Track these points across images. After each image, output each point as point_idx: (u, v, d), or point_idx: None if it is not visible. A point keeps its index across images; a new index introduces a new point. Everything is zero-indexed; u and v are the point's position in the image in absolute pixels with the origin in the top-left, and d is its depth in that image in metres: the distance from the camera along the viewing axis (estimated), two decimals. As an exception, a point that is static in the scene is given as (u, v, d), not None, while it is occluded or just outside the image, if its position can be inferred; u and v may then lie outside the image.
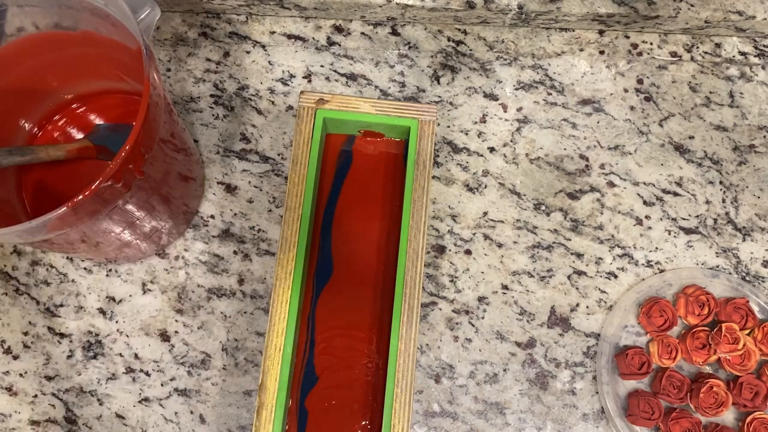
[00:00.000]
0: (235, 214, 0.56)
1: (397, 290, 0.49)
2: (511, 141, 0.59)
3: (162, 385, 0.53)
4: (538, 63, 0.61)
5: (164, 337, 0.53)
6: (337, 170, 0.55)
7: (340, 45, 0.61)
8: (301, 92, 0.53)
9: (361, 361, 0.51)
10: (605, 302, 0.55)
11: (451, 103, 0.60)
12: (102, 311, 0.54)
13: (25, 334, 0.53)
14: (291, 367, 0.48)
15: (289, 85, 0.60)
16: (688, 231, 0.57)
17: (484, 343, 0.54)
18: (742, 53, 0.62)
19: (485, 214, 0.57)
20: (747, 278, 0.56)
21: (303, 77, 0.60)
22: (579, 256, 0.56)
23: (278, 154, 0.58)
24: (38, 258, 0.55)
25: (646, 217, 0.58)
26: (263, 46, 0.61)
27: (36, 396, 0.52)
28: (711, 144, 0.60)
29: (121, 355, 0.53)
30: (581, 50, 0.62)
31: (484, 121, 0.59)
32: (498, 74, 0.61)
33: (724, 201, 0.58)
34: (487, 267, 0.56)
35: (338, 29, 0.61)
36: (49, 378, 0.53)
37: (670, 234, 0.57)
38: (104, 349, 0.53)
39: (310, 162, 0.51)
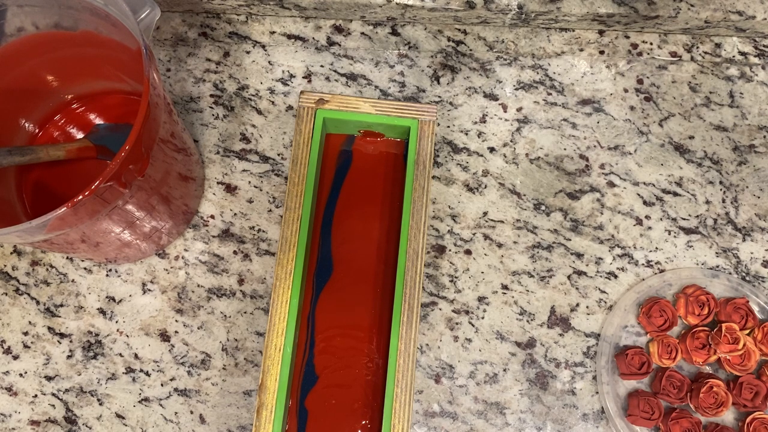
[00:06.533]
0: (235, 214, 0.56)
1: (397, 290, 0.49)
2: (511, 141, 0.59)
3: (162, 385, 0.53)
4: (538, 63, 0.61)
5: (164, 337, 0.53)
6: (337, 170, 0.55)
7: (340, 45, 0.61)
8: (301, 92, 0.53)
9: (361, 360, 0.51)
10: (605, 302, 0.55)
11: (451, 103, 0.60)
12: (102, 311, 0.54)
13: (25, 334, 0.53)
14: (291, 367, 0.48)
15: (289, 85, 0.60)
16: (688, 231, 0.57)
17: (484, 343, 0.54)
18: (742, 53, 0.62)
19: (485, 214, 0.57)
20: (747, 278, 0.56)
21: (303, 77, 0.60)
22: (579, 256, 0.56)
23: (278, 154, 0.58)
24: (38, 258, 0.55)
25: (646, 217, 0.58)
26: (263, 46, 0.61)
27: (36, 396, 0.52)
28: (711, 144, 0.60)
29: (121, 355, 0.53)
30: (581, 50, 0.62)
31: (484, 121, 0.59)
32: (498, 74, 0.61)
33: (724, 201, 0.58)
34: (487, 267, 0.56)
35: (338, 29, 0.62)
36: (49, 378, 0.53)
37: (670, 234, 0.57)
38: (104, 349, 0.53)
39: (310, 162, 0.51)
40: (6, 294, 0.54)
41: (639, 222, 0.57)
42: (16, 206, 0.52)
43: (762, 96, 0.61)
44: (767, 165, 0.59)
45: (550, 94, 0.60)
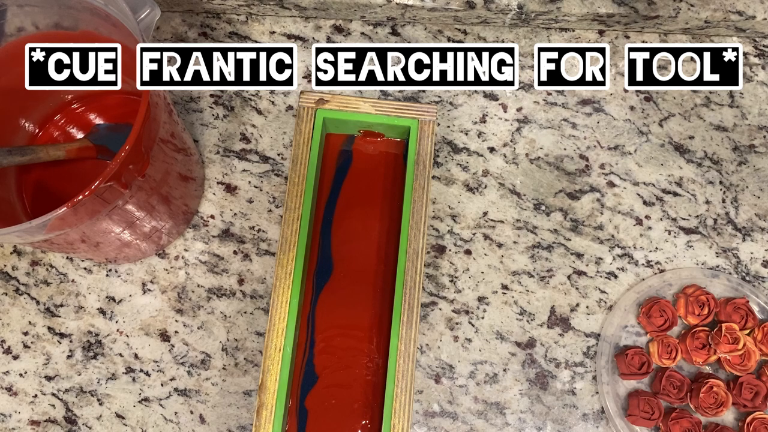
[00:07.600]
0: (235, 214, 0.56)
1: (397, 290, 0.49)
2: (511, 141, 0.59)
3: (162, 385, 0.53)
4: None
5: (164, 337, 0.53)
6: (337, 170, 0.55)
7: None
8: (301, 92, 0.53)
9: (361, 360, 0.51)
10: (605, 302, 0.55)
11: (451, 103, 0.60)
12: (102, 311, 0.54)
13: (25, 334, 0.53)
14: (291, 366, 0.48)
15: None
16: (688, 231, 0.57)
17: (484, 343, 0.54)
18: (742, 53, 0.62)
19: (485, 214, 0.57)
20: (747, 278, 0.56)
21: (303, 77, 0.60)
22: (579, 256, 0.56)
23: (278, 154, 0.58)
24: (38, 258, 0.55)
25: (646, 217, 0.58)
26: (263, 46, 0.61)
27: (36, 396, 0.52)
28: (711, 144, 0.60)
29: (121, 355, 0.53)
30: (581, 50, 0.62)
31: (484, 121, 0.59)
32: (498, 74, 0.60)
33: (724, 201, 0.58)
34: (487, 267, 0.56)
35: (338, 29, 0.61)
36: (49, 378, 0.53)
37: (670, 234, 0.57)
38: (104, 349, 0.53)
39: (310, 162, 0.51)
40: (6, 294, 0.54)
41: (639, 222, 0.57)
42: (16, 206, 0.52)
43: (762, 96, 0.61)
44: (767, 165, 0.59)
45: (550, 94, 0.60)
